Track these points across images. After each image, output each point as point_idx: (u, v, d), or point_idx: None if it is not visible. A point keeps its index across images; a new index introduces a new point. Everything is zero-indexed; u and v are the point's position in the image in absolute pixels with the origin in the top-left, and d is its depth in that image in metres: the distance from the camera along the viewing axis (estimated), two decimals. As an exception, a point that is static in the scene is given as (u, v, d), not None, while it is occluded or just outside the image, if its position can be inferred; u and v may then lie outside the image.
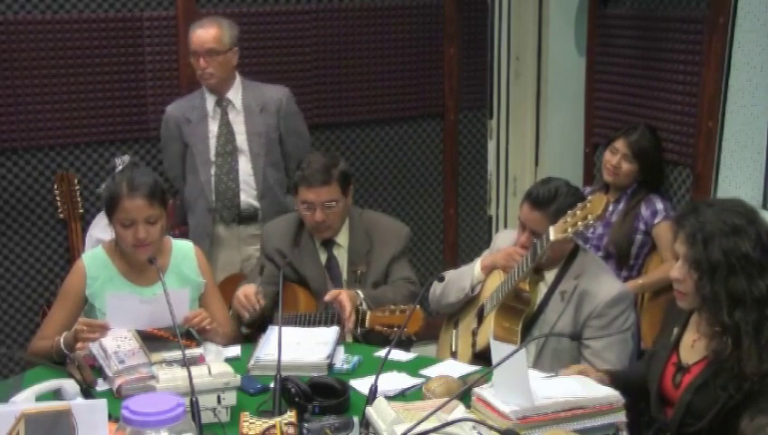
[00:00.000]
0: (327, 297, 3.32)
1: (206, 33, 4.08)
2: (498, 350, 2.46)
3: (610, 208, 4.00)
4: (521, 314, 3.17)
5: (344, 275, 3.55)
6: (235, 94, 4.18)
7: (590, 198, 2.93)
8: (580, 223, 2.89)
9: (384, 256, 3.53)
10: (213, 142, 4.16)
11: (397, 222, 3.74)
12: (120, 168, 4.26)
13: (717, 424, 2.47)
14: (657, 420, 2.61)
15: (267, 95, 4.21)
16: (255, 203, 4.20)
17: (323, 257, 3.57)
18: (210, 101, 4.17)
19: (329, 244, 3.57)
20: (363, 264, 3.52)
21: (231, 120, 4.16)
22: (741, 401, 2.43)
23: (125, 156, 4.38)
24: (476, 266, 3.40)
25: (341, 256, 3.57)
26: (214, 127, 4.17)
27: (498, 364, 2.38)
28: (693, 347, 2.60)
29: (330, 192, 3.45)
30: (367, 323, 3.26)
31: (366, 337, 3.31)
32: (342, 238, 3.57)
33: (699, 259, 2.46)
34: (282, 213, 3.95)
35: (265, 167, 4.18)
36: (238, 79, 4.20)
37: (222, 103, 4.16)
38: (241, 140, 4.17)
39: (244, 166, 4.17)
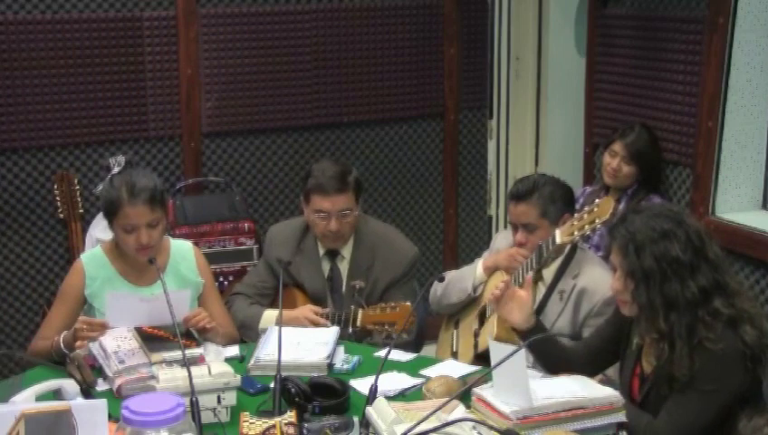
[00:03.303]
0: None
1: None
2: (497, 350, 2.46)
3: (610, 209, 4.01)
4: (523, 316, 3.17)
5: (344, 289, 3.49)
6: None
7: (597, 201, 2.95)
8: (587, 226, 2.90)
9: (382, 278, 3.45)
10: None
11: (405, 243, 3.58)
12: (116, 169, 4.24)
13: None
14: None
15: None
16: None
17: (326, 268, 3.50)
18: None
19: (333, 255, 3.49)
20: (362, 279, 3.43)
21: None
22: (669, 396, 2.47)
23: (120, 156, 4.36)
24: (478, 267, 3.40)
25: (344, 268, 3.50)
26: None
27: (498, 365, 2.38)
28: (648, 357, 2.61)
29: (346, 200, 3.37)
30: (359, 322, 3.25)
31: (357, 336, 3.30)
32: (346, 250, 3.48)
33: (633, 269, 2.48)
34: None
35: None
36: None
37: None
38: None
39: None
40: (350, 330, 3.26)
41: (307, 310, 3.35)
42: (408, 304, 3.19)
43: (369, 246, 3.47)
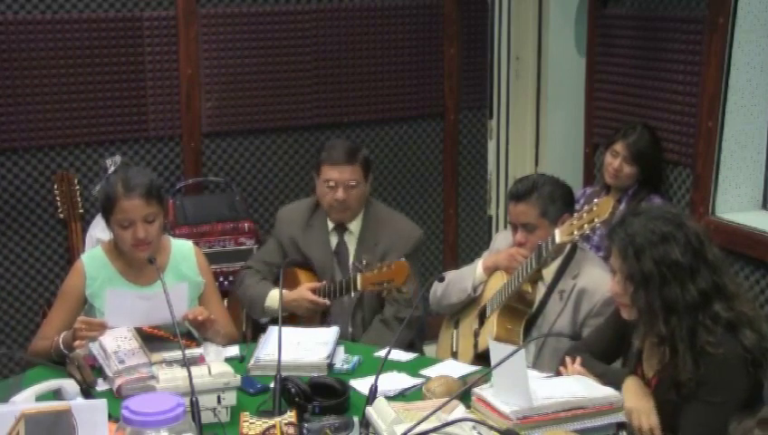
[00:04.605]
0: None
1: None
2: (497, 350, 2.46)
3: (611, 209, 4.01)
4: (523, 316, 3.18)
5: (351, 262, 3.60)
6: None
7: (596, 200, 2.95)
8: (586, 226, 2.90)
9: (389, 255, 3.53)
10: None
11: (410, 224, 3.75)
12: (113, 169, 4.25)
13: None
14: None
15: None
16: None
17: (334, 241, 3.63)
18: None
19: (341, 229, 3.62)
20: (369, 254, 3.54)
21: None
22: (678, 404, 2.46)
23: (116, 156, 4.37)
24: (478, 267, 3.41)
25: (351, 242, 3.63)
26: None
27: (498, 365, 2.38)
28: (649, 360, 2.61)
29: (353, 172, 3.53)
30: (359, 286, 3.33)
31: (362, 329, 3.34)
32: (355, 226, 3.62)
33: (632, 272, 2.46)
34: None
35: None
36: None
37: None
38: None
39: None
40: (352, 295, 3.40)
41: (304, 290, 3.47)
42: (404, 259, 3.31)
43: (376, 224, 3.62)
